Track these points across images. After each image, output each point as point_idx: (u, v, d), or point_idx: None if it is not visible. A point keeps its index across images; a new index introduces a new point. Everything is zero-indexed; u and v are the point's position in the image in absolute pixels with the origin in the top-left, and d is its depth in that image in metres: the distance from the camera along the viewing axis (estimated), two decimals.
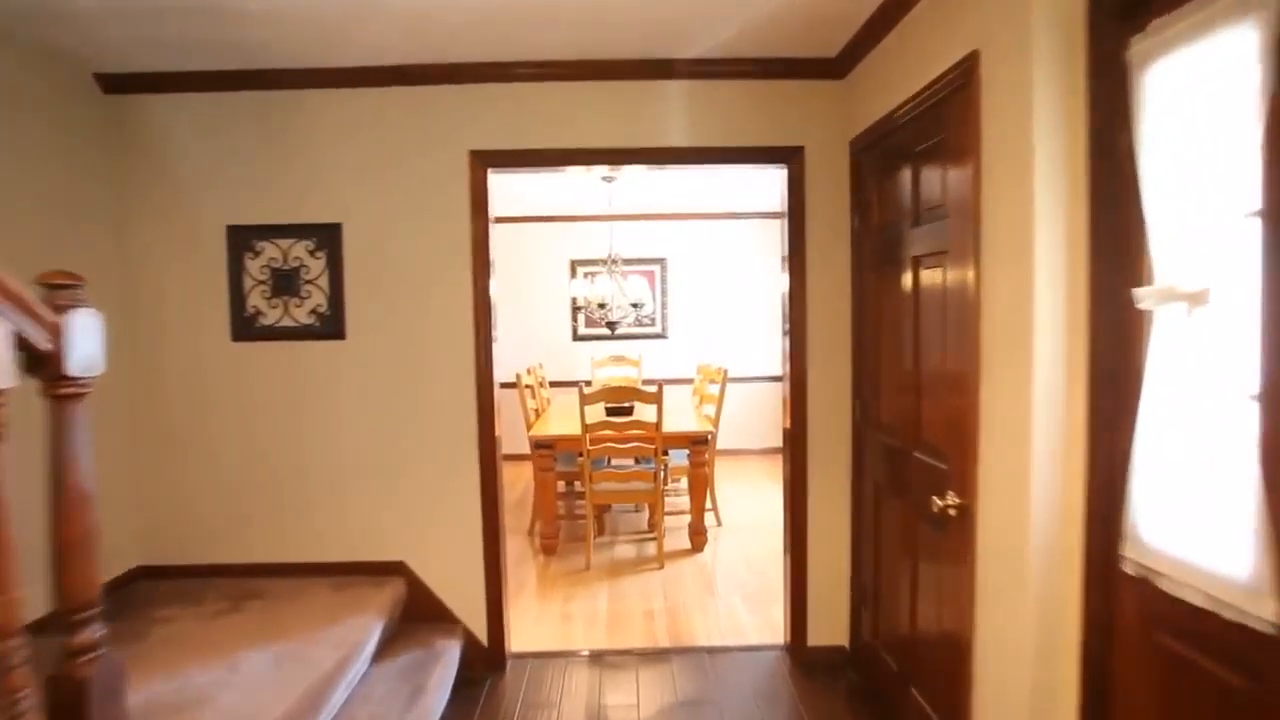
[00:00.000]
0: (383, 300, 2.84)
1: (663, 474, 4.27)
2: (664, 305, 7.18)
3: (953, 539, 1.96)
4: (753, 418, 7.12)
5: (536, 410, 5.27)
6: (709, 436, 4.32)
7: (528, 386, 5.26)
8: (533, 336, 7.12)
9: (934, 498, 1.98)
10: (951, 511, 1.92)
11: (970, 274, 1.85)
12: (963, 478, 1.90)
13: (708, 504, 4.54)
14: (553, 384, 7.06)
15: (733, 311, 7.21)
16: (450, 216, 2.79)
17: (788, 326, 2.88)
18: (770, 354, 7.24)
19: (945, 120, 1.99)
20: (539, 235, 7.08)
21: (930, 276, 2.14)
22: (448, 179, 2.78)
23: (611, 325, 5.06)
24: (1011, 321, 1.68)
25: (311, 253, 2.83)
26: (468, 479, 2.86)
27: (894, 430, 2.43)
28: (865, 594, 2.75)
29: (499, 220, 2.94)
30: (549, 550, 4.38)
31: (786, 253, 2.86)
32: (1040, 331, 1.59)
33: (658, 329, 7.20)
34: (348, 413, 2.87)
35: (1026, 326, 1.61)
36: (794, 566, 2.93)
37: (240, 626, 2.44)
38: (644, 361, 6.89)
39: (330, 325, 2.84)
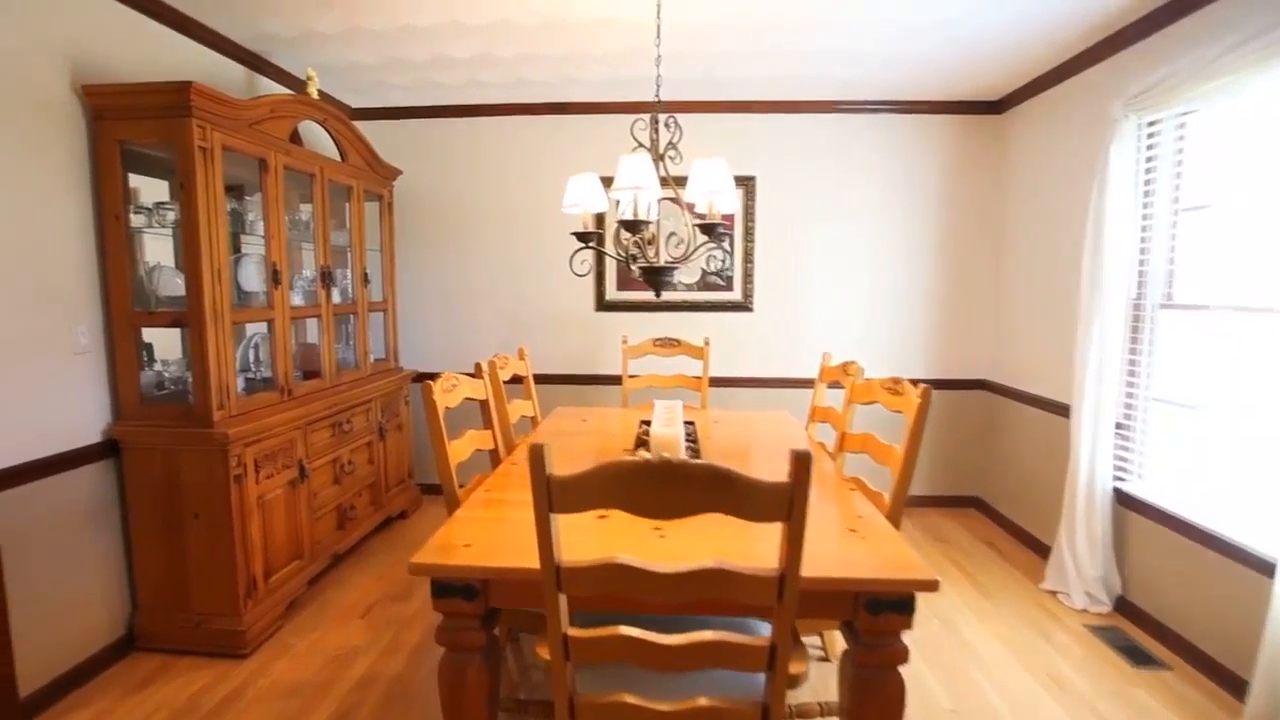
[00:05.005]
0: None
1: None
2: (748, 256, 4.32)
3: None
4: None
5: (497, 453, 2.55)
6: (911, 593, 1.51)
7: (476, 401, 2.53)
8: (531, 304, 4.39)
9: None
10: None
11: None
12: None
13: None
14: (557, 379, 4.33)
15: (866, 270, 4.30)
16: None
17: None
18: (935, 339, 4.32)
19: None
20: (549, 138, 4.30)
21: None
22: None
23: (652, 275, 2.25)
24: None
25: None
26: None
27: None
28: None
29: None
30: None
31: None
32: None
33: (736, 295, 4.35)
34: None
35: None
36: None
37: None
38: (713, 349, 4.09)
39: None
